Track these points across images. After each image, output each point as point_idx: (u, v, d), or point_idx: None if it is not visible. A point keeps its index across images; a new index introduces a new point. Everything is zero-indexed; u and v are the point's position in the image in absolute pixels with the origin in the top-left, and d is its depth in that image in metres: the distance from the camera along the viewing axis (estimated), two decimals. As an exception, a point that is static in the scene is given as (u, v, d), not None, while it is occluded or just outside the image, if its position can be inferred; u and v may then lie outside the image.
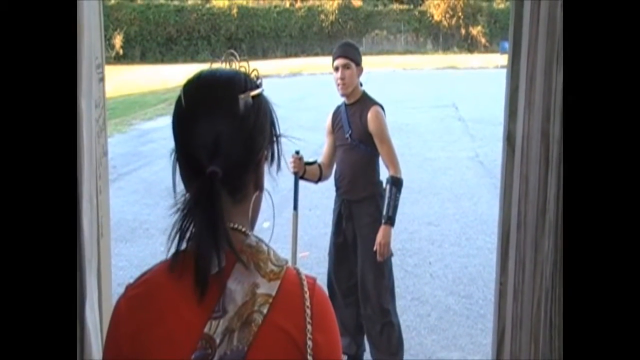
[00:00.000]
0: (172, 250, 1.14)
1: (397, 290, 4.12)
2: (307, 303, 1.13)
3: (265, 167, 1.23)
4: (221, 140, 1.12)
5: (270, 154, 1.23)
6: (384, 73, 23.76)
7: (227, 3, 36.16)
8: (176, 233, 1.13)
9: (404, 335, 4.09)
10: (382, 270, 3.91)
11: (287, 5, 37.49)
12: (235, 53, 1.23)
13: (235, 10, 36.14)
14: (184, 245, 1.14)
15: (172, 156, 1.20)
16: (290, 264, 1.18)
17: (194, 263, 1.11)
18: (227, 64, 1.22)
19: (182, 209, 1.13)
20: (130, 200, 8.41)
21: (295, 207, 4.15)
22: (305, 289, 1.15)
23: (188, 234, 1.12)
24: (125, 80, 22.58)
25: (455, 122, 14.59)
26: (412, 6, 38.45)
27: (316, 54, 34.15)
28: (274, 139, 1.23)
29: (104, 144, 2.14)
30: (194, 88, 1.19)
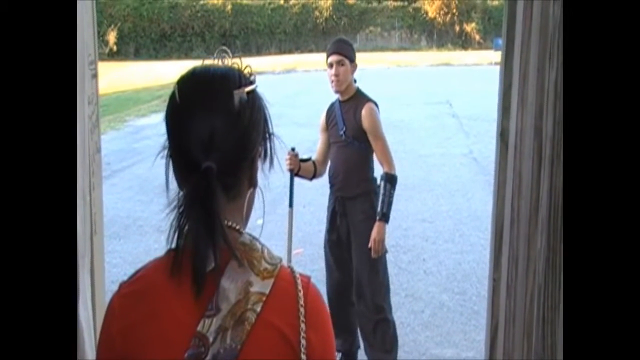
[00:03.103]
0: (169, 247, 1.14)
1: (391, 287, 4.12)
2: (301, 302, 1.13)
3: (259, 164, 1.23)
4: (216, 136, 1.12)
5: (263, 151, 1.23)
6: (378, 70, 23.76)
7: (221, 0, 36.10)
8: (174, 232, 1.13)
9: (398, 332, 4.10)
10: (377, 267, 3.91)
11: (282, 2, 37.43)
12: (228, 50, 1.23)
13: (229, 7, 36.09)
14: (179, 243, 1.13)
15: (166, 152, 1.20)
16: (285, 261, 1.18)
17: (191, 261, 1.10)
18: (220, 60, 1.22)
19: (178, 206, 1.13)
20: (124, 197, 8.40)
21: (291, 204, 4.15)
22: (299, 287, 1.14)
23: (184, 232, 1.12)
24: (118, 76, 22.52)
25: (450, 118, 14.60)
26: (406, 3, 38.42)
27: (310, 51, 34.10)
28: (267, 135, 1.23)
29: (97, 140, 2.14)
30: (189, 84, 1.18)
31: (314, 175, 4.11)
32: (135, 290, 1.16)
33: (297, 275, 1.16)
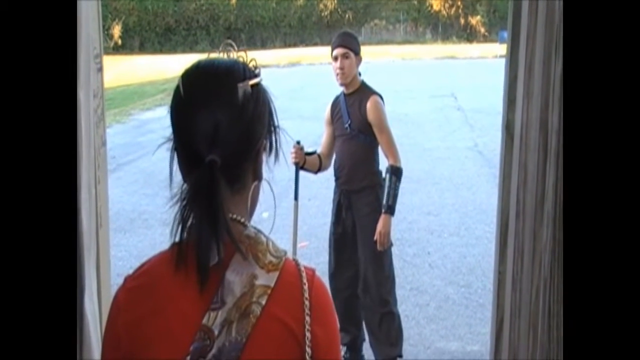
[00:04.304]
0: (173, 241, 1.14)
1: (396, 280, 4.12)
2: (306, 295, 1.13)
3: (264, 157, 1.23)
4: (220, 129, 1.11)
5: (268, 144, 1.23)
6: (383, 63, 23.72)
7: (225, -7, 36.08)
8: (178, 225, 1.13)
9: (403, 325, 4.10)
10: (382, 260, 3.91)
11: (286, -5, 37.39)
12: (233, 43, 1.23)
13: (234, 0, 36.03)
14: (183, 236, 1.13)
15: (170, 145, 1.20)
16: (290, 254, 1.18)
17: (195, 254, 1.10)
18: (225, 53, 1.22)
19: (181, 199, 1.13)
20: (129, 190, 8.41)
21: (296, 198, 4.15)
22: (304, 280, 1.14)
23: (188, 224, 1.12)
24: (123, 70, 22.52)
25: (455, 111, 14.58)
26: (411, -4, 38.35)
27: (315, 44, 34.08)
28: (272, 128, 1.23)
29: (102, 134, 2.14)
30: (193, 77, 1.18)
31: (319, 169, 4.11)
32: (141, 284, 1.16)
33: (302, 268, 1.16)
